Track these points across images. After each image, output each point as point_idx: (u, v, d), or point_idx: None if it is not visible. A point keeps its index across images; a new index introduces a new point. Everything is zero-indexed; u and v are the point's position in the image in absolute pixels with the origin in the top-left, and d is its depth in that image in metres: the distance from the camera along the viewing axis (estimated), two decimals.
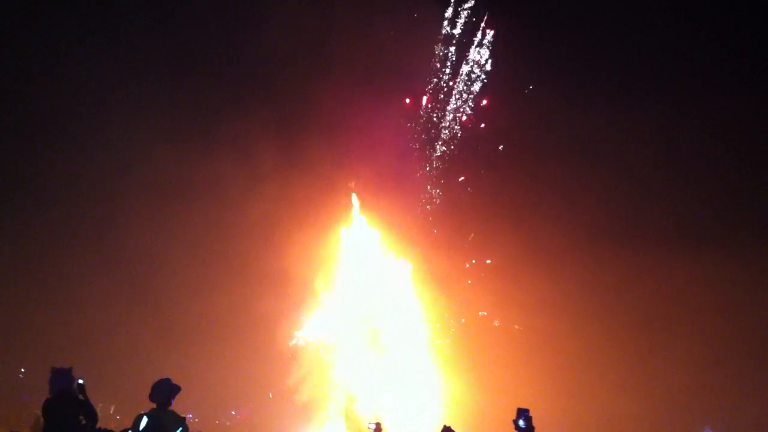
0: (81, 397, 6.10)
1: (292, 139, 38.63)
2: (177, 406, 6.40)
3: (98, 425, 6.32)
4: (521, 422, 3.78)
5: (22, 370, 45.55)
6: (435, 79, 37.68)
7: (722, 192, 46.46)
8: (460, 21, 37.48)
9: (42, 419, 6.06)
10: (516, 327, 37.75)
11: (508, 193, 40.78)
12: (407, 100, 37.68)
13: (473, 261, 38.72)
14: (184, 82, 43.80)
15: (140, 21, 42.91)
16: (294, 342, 38.47)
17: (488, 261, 38.66)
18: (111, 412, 37.42)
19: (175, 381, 6.49)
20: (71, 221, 44.15)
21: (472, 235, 39.13)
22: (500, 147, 38.50)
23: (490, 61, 37.20)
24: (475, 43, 37.08)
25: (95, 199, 43.22)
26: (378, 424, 6.92)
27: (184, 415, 6.26)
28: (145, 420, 6.02)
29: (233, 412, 51.86)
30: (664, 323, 41.31)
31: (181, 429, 5.96)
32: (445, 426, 5.98)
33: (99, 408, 6.50)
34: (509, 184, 40.86)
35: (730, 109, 44.34)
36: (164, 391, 6.18)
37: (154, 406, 6.24)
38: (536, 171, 43.04)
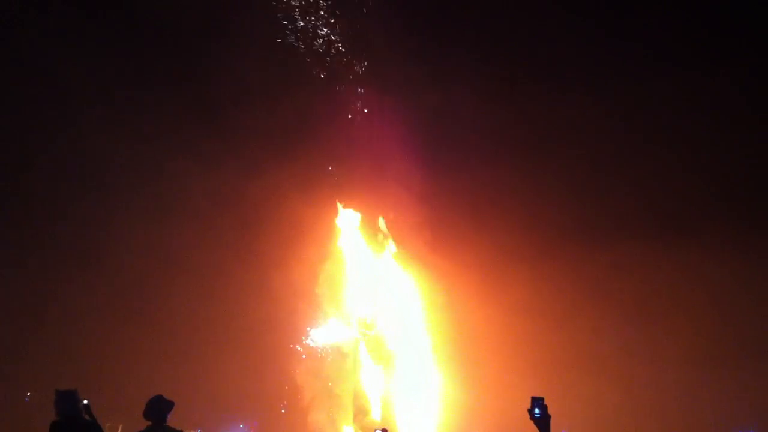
0: (87, 417, 6.14)
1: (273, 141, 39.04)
2: (182, 420, 6.43)
3: None
4: (537, 411, 3.72)
5: (28, 394, 45.45)
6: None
7: (706, 183, 46.69)
8: None
9: None
10: (502, 325, 37.79)
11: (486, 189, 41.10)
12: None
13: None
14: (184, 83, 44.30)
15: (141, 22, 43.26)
16: (304, 348, 38.65)
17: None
18: (119, 431, 37.32)
19: (183, 396, 6.52)
20: (69, 238, 44.19)
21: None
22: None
23: None
24: None
25: (90, 216, 43.35)
26: (385, 430, 6.93)
27: (187, 429, 6.29)
28: None
29: (241, 426, 51.70)
30: (654, 317, 41.42)
31: None
32: None
33: (107, 427, 6.53)
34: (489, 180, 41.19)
35: (719, 96, 44.61)
36: (157, 408, 6.20)
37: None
38: (516, 165, 43.30)
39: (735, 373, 36.70)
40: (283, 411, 42.37)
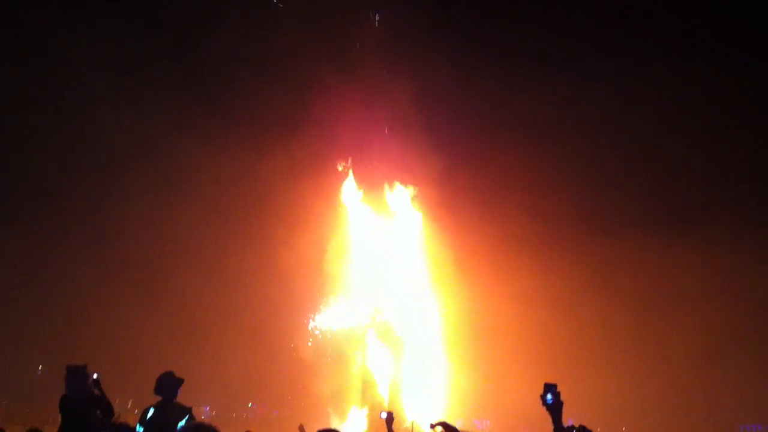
0: (97, 392, 6.21)
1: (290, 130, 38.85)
2: (193, 398, 6.51)
3: (117, 419, 6.43)
4: (549, 397, 3.67)
5: (40, 367, 46.10)
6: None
7: (714, 177, 46.31)
8: None
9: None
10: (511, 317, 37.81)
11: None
12: None
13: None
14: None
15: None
16: (311, 333, 38.78)
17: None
18: (129, 406, 37.75)
19: (193, 374, 6.59)
20: (81, 220, 44.56)
21: None
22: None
23: None
24: None
25: (105, 195, 43.63)
26: (390, 413, 6.91)
27: (197, 406, 6.37)
28: (151, 411, 6.14)
29: (250, 405, 52.18)
30: (660, 309, 41.24)
31: (187, 418, 6.04)
32: (432, 424, 5.97)
33: (116, 403, 6.61)
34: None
35: (725, 91, 44.02)
36: (167, 384, 6.26)
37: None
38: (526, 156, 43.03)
39: (741, 367, 36.59)
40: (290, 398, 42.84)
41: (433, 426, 5.76)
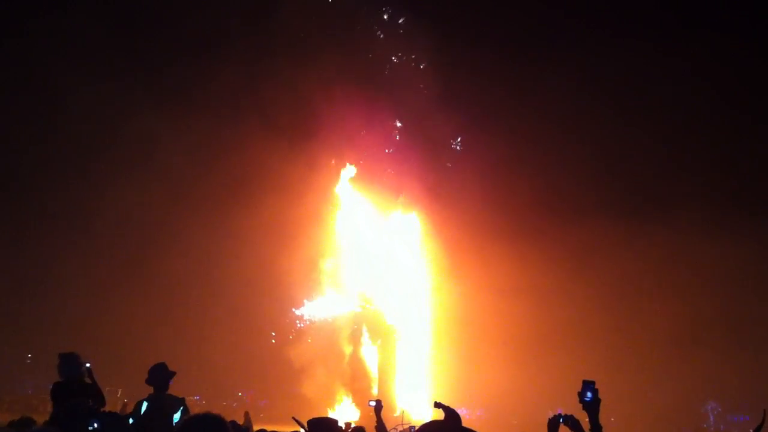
0: (88, 380, 6.23)
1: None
2: (184, 388, 6.53)
3: (124, 410, 6.44)
4: (588, 395, 3.61)
5: (29, 355, 45.98)
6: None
7: (687, 160, 46.57)
8: None
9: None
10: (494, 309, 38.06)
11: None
12: None
13: None
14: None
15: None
16: (300, 320, 38.79)
17: None
18: (119, 395, 37.78)
19: (182, 363, 6.63)
20: (62, 207, 44.29)
21: None
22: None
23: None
24: None
25: (93, 184, 43.32)
26: (379, 401, 6.96)
27: (189, 397, 6.38)
28: (145, 405, 6.15)
29: (240, 394, 52.30)
30: (636, 295, 41.60)
31: (182, 409, 6.07)
32: (436, 402, 6.02)
33: (106, 391, 6.62)
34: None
35: (698, 69, 44.26)
36: (160, 376, 6.28)
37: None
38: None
39: (718, 353, 37.02)
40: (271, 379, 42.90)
41: (437, 405, 5.83)
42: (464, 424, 4.54)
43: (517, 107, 41.42)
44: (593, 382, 3.56)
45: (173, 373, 6.36)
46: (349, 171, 36.18)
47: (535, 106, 42.41)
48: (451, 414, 5.37)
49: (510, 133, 43.18)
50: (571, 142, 46.59)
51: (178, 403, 6.18)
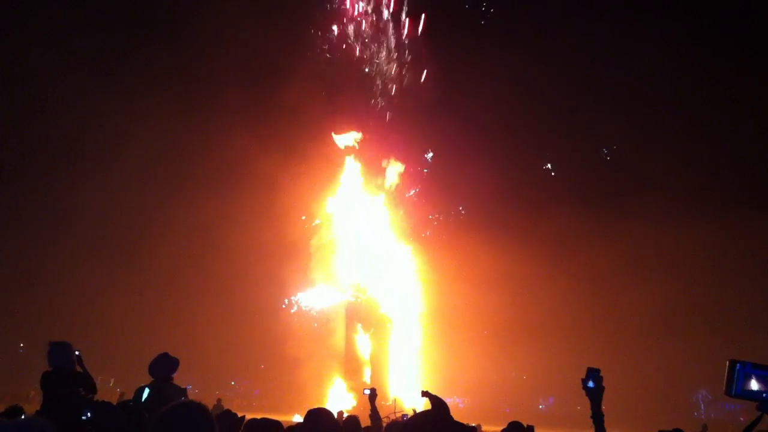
0: (79, 368, 6.18)
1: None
2: (176, 377, 6.51)
3: (98, 397, 6.40)
4: (591, 383, 3.58)
5: (21, 345, 45.82)
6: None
7: (652, 151, 46.68)
8: None
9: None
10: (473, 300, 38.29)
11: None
12: None
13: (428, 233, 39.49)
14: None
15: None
16: (293, 309, 38.82)
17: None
18: (111, 384, 37.75)
19: (174, 353, 6.58)
20: (52, 197, 44.05)
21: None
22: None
23: None
24: None
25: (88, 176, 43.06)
26: (373, 389, 6.97)
27: (183, 387, 6.35)
28: (146, 392, 6.11)
29: (233, 383, 52.40)
30: (610, 286, 41.77)
31: (184, 399, 6.04)
32: (423, 391, 6.03)
33: (98, 380, 6.58)
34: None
35: (672, 54, 44.28)
36: (164, 365, 6.26)
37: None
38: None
39: (698, 342, 37.27)
40: (262, 367, 42.89)
41: (424, 394, 5.85)
42: (454, 412, 4.53)
43: (493, 96, 41.06)
44: (598, 370, 3.55)
45: (177, 362, 6.38)
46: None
47: (509, 95, 42.13)
48: (438, 403, 5.37)
49: (484, 122, 42.98)
50: (543, 131, 46.70)
51: (181, 392, 6.16)
